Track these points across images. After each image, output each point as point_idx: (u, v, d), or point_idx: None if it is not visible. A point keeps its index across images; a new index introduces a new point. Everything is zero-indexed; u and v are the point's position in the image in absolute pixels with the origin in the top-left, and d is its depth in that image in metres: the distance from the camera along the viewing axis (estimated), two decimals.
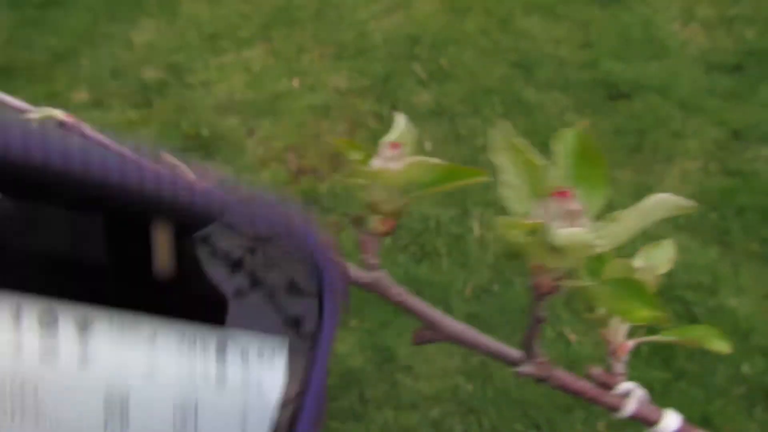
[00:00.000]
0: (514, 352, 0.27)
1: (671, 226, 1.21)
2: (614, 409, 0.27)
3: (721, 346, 0.28)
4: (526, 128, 1.38)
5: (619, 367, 0.28)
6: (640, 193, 1.31)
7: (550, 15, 1.67)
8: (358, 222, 0.26)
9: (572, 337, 1.09)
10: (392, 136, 0.27)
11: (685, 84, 1.47)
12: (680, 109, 1.43)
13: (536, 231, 0.22)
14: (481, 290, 1.15)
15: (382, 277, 0.26)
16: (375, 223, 0.26)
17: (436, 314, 0.27)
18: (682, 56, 1.53)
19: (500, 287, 1.15)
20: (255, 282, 0.17)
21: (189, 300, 0.16)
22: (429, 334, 0.27)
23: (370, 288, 0.26)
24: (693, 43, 1.57)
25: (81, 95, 1.56)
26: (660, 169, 1.33)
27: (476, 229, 1.23)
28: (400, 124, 0.27)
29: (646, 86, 1.47)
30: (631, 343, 0.28)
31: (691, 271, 1.14)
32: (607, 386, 0.28)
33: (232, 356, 0.16)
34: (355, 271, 0.26)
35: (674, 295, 1.11)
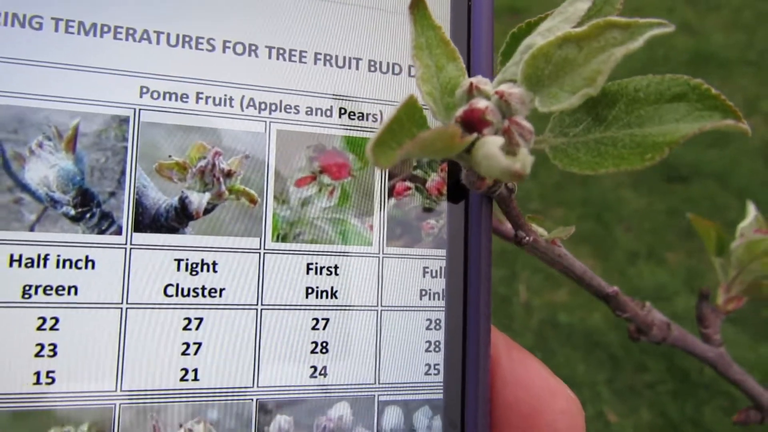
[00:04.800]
0: None
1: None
2: None
3: None
4: (580, 198, 1.37)
5: None
6: (691, 278, 1.30)
7: None
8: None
9: (612, 417, 1.06)
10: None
11: (744, 174, 1.46)
12: (738, 198, 1.41)
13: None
14: None
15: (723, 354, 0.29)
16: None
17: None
18: (743, 146, 1.53)
19: (542, 355, 1.13)
20: None
21: None
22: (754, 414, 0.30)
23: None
24: (755, 134, 1.56)
25: None
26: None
27: (522, 293, 1.22)
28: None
29: (705, 172, 1.46)
30: None
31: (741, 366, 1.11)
32: None
33: None
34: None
35: (721, 390, 1.08)
